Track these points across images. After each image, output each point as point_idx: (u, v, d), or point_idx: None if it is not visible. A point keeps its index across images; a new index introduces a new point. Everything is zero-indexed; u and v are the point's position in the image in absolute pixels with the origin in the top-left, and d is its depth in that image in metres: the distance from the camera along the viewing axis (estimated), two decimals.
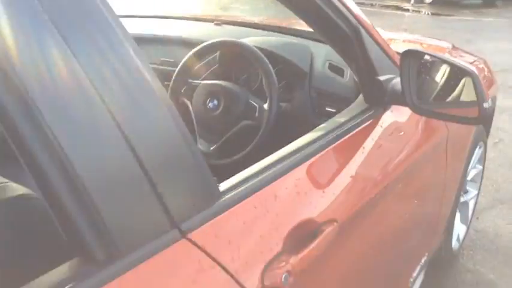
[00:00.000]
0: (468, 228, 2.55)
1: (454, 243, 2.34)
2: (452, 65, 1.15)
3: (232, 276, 0.73)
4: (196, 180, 0.74)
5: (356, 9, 1.25)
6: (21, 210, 0.75)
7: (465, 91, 1.19)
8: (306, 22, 1.25)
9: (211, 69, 1.75)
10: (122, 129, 0.63)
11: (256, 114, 1.52)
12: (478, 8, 11.77)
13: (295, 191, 0.92)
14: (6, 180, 0.78)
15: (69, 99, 0.59)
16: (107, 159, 0.62)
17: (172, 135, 0.70)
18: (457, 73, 1.15)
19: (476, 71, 1.11)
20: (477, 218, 2.79)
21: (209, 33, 1.89)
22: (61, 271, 0.61)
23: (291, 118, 1.60)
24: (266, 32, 1.91)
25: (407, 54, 1.21)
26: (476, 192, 2.56)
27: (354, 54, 1.28)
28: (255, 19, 2.26)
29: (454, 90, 1.19)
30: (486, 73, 2.29)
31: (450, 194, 1.88)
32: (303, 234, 0.86)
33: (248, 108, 1.55)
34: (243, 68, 1.69)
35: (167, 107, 0.70)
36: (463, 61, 1.34)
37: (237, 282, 0.73)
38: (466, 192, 2.46)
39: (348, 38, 1.24)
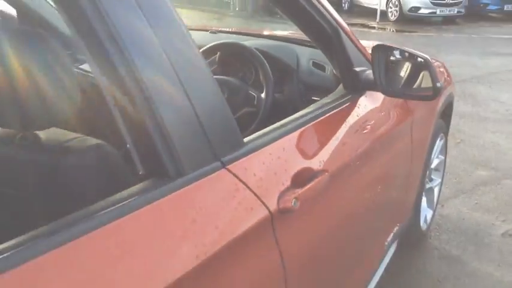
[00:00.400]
0: (434, 212, 2.88)
1: (422, 224, 2.66)
2: (412, 55, 1.47)
3: (258, 197, 1.01)
4: (230, 129, 1.02)
5: (336, 14, 1.56)
6: (97, 156, 1.01)
7: (424, 80, 1.51)
8: (296, 25, 1.55)
9: (212, 69, 2.04)
10: (183, 84, 0.91)
11: (255, 102, 1.83)
12: (440, 25, 12.45)
13: (297, 146, 1.21)
14: (82, 135, 1.05)
15: (152, 63, 0.87)
16: (175, 104, 0.90)
17: (213, 94, 0.99)
18: (416, 61, 1.47)
19: (430, 59, 1.44)
20: (442, 205, 3.12)
21: (206, 40, 2.18)
22: (144, 185, 0.88)
23: (283, 106, 1.90)
24: (257, 38, 2.23)
25: (377, 49, 1.52)
26: (439, 180, 2.90)
27: (334, 50, 1.59)
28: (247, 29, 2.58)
29: (415, 76, 1.50)
30: (446, 77, 2.64)
31: (417, 170, 2.21)
32: (304, 176, 1.15)
33: (248, 97, 1.85)
34: (239, 67, 1.99)
35: (209, 74, 0.99)
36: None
37: (261, 201, 1.01)
38: (431, 180, 2.79)
39: (329, 37, 1.55)
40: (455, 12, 12.41)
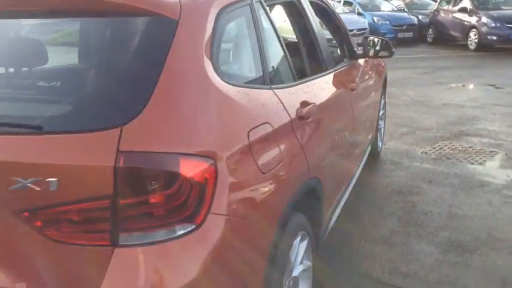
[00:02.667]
0: (382, 144, 4.91)
1: (379, 145, 4.69)
2: (382, 39, 3.49)
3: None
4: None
5: (343, 20, 3.53)
6: None
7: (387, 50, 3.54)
8: (326, 26, 3.48)
9: None
10: (319, 44, 2.81)
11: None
12: None
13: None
14: None
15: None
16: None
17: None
18: (383, 41, 3.49)
19: (388, 39, 3.47)
20: (384, 144, 5.16)
21: None
22: None
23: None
24: None
25: (365, 37, 3.53)
26: (383, 125, 4.95)
27: (344, 39, 3.55)
28: None
29: (383, 48, 3.52)
30: (383, 65, 4.71)
31: (378, 106, 4.22)
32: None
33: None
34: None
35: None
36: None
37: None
38: (380, 120, 4.82)
39: (341, 31, 3.51)
40: None
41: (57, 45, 2.29)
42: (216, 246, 1.44)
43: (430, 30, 15.69)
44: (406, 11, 16.81)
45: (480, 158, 4.76)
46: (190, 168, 1.38)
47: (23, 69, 1.89)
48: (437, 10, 15.62)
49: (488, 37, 12.98)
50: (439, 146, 5.17)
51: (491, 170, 4.49)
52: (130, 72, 1.48)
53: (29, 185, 1.30)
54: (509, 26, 12.75)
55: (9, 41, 1.94)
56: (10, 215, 1.36)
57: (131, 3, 1.54)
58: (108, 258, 1.33)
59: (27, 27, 2.11)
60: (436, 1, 17.55)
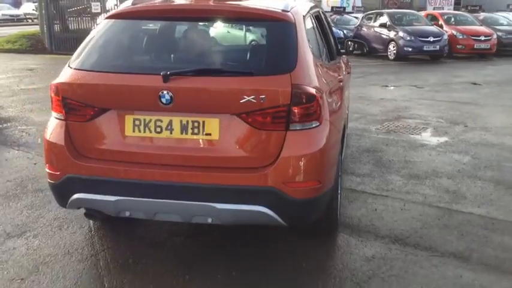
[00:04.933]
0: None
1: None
2: (357, 41, 5.11)
3: (336, 73, 4.46)
4: (327, 52, 4.45)
5: (334, 33, 5.13)
6: None
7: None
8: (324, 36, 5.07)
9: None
10: (332, 41, 4.39)
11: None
12: None
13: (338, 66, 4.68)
14: None
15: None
16: None
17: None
18: (357, 43, 5.12)
19: (365, 42, 5.12)
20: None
21: None
22: None
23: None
24: None
25: (346, 41, 5.16)
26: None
27: (335, 43, 5.15)
28: None
29: (359, 48, 5.16)
30: (348, 64, 6.36)
31: (349, 90, 5.86)
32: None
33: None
34: None
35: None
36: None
37: (338, 75, 4.48)
38: None
39: (333, 35, 5.11)
40: None
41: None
42: (327, 133, 2.92)
43: (353, 43, 17.98)
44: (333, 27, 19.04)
45: (417, 131, 6.57)
46: (316, 93, 2.85)
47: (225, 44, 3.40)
48: (360, 25, 17.88)
49: (405, 49, 15.32)
50: (386, 125, 6.93)
51: (426, 137, 6.31)
52: (288, 49, 2.92)
53: (250, 99, 2.70)
54: (421, 40, 15.20)
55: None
56: (235, 116, 2.75)
57: (276, 15, 3.01)
58: (284, 137, 2.76)
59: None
60: (357, 18, 20.02)
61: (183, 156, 2.82)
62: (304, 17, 3.31)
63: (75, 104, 2.90)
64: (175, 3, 3.61)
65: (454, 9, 28.73)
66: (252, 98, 2.70)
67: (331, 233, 3.52)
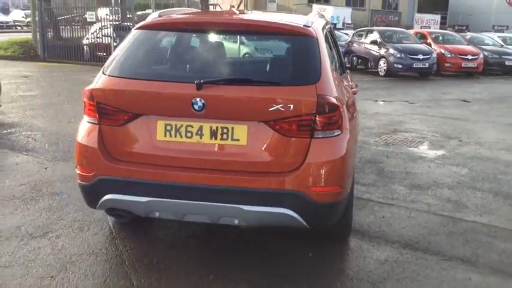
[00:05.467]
0: None
1: None
2: (360, 56, 5.31)
3: (349, 85, 4.68)
4: (341, 65, 4.69)
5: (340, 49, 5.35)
6: None
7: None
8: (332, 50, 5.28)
9: None
10: (341, 55, 4.59)
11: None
12: None
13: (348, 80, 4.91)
14: None
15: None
16: None
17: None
18: (365, 58, 5.32)
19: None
20: None
21: None
22: None
23: None
24: None
25: (352, 56, 5.36)
26: None
27: (340, 58, 5.37)
28: None
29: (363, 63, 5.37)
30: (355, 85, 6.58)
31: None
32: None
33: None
34: None
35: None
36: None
37: (350, 87, 4.69)
38: None
39: (340, 54, 5.33)
40: None
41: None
42: (347, 141, 3.10)
43: (346, 58, 18.31)
44: None
45: (414, 144, 6.80)
46: (338, 103, 3.03)
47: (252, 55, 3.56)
48: (351, 41, 18.20)
49: (395, 65, 15.65)
50: (384, 137, 7.15)
51: (424, 150, 6.54)
52: (313, 62, 3.11)
53: (279, 108, 2.87)
54: (411, 57, 15.57)
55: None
56: (262, 123, 2.92)
57: (301, 30, 3.20)
58: (309, 144, 2.93)
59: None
60: (347, 34, 20.42)
61: (212, 160, 2.97)
62: (322, 31, 3.51)
63: (109, 109, 3.04)
64: (207, 18, 3.82)
65: (440, 28, 29.44)
66: (281, 107, 2.87)
67: (344, 238, 3.69)
